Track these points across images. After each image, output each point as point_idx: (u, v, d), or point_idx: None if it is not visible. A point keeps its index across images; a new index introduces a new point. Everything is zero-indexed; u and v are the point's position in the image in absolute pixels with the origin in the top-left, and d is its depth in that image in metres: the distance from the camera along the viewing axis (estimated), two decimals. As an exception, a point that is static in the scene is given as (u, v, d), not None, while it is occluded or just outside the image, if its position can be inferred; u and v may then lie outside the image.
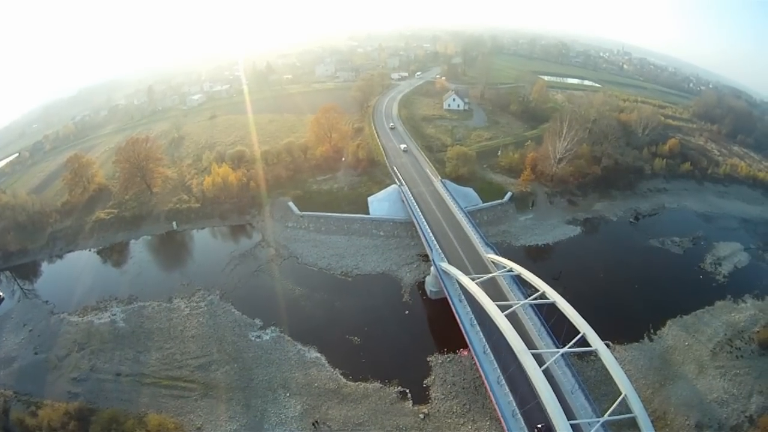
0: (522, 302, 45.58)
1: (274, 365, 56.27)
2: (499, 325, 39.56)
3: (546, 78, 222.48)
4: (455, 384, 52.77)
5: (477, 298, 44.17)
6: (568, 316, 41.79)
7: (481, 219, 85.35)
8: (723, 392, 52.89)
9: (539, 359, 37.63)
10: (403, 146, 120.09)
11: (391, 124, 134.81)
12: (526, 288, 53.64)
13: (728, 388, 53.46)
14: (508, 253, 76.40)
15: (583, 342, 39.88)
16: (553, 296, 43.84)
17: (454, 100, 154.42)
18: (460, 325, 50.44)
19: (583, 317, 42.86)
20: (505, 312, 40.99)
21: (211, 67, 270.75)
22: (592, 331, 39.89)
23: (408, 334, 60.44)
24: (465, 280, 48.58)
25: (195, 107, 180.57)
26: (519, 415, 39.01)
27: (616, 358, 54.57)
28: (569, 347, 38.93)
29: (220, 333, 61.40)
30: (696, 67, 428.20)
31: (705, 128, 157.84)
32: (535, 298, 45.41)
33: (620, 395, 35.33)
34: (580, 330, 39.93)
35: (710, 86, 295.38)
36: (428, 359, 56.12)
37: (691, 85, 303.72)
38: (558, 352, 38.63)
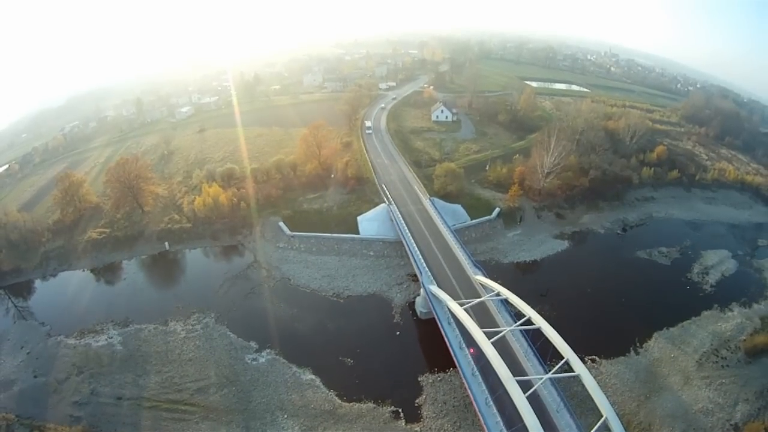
0: (508, 329, 47.94)
1: (270, 387, 57.84)
2: (486, 353, 41.81)
3: (534, 84, 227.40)
4: (446, 403, 55.06)
5: (465, 326, 46.49)
6: (552, 342, 44.17)
7: (469, 236, 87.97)
8: (708, 402, 55.37)
9: (526, 382, 40.15)
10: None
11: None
12: (513, 308, 55.92)
13: (714, 397, 55.95)
14: (497, 270, 79.36)
15: (569, 365, 42.21)
16: (539, 322, 46.28)
17: (442, 111, 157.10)
18: (449, 348, 52.67)
19: (569, 335, 45.19)
20: (493, 339, 43.40)
21: (198, 75, 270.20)
22: (575, 356, 42.08)
23: (399, 355, 62.42)
24: (454, 306, 50.75)
25: (184, 119, 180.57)
26: (507, 436, 41.35)
27: (602, 372, 58.83)
28: (554, 372, 41.45)
29: (216, 356, 62.67)
30: (684, 67, 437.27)
31: (693, 132, 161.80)
32: (522, 324, 47.88)
33: (602, 418, 37.49)
34: (563, 355, 42.35)
35: (698, 86, 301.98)
36: (419, 379, 58.38)
37: (678, 86, 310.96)
38: (543, 378, 41.10)
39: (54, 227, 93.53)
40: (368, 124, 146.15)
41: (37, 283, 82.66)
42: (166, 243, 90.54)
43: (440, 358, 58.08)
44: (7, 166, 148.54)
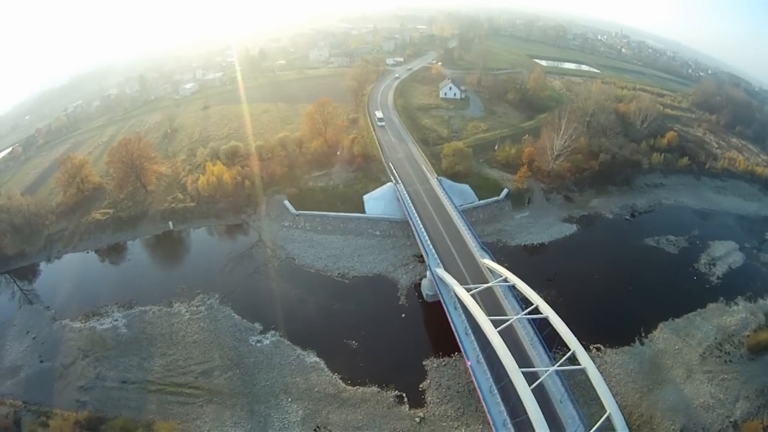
0: (515, 317, 46.82)
1: (275, 370, 57.58)
2: (492, 342, 40.77)
3: (543, 63, 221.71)
4: (450, 388, 54.50)
5: (472, 313, 45.33)
6: (559, 333, 42.97)
7: (477, 217, 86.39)
8: (709, 397, 54.42)
9: (532, 373, 39.31)
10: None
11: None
12: (520, 293, 54.54)
13: (715, 393, 54.97)
14: (504, 252, 78.10)
15: (574, 357, 41.16)
16: (546, 311, 45.01)
17: (450, 88, 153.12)
18: (455, 334, 51.68)
19: (575, 322, 44.42)
20: (499, 328, 42.20)
21: (202, 51, 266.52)
22: (582, 348, 41.07)
23: (404, 338, 61.76)
24: (460, 291, 49.52)
25: (188, 96, 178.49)
26: (510, 425, 40.54)
27: (606, 361, 57.94)
28: (559, 365, 40.50)
29: (221, 338, 62.43)
30: (695, 51, 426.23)
31: (703, 119, 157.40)
32: (529, 312, 46.62)
33: (606, 412, 36.55)
34: (570, 347, 41.20)
35: (709, 72, 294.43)
36: (424, 363, 57.73)
37: (690, 70, 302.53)
38: (548, 370, 40.15)
39: (57, 209, 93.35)
40: (379, 115, 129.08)
41: (42, 266, 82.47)
42: (170, 222, 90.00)
43: (445, 342, 57.10)
44: (10, 149, 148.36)
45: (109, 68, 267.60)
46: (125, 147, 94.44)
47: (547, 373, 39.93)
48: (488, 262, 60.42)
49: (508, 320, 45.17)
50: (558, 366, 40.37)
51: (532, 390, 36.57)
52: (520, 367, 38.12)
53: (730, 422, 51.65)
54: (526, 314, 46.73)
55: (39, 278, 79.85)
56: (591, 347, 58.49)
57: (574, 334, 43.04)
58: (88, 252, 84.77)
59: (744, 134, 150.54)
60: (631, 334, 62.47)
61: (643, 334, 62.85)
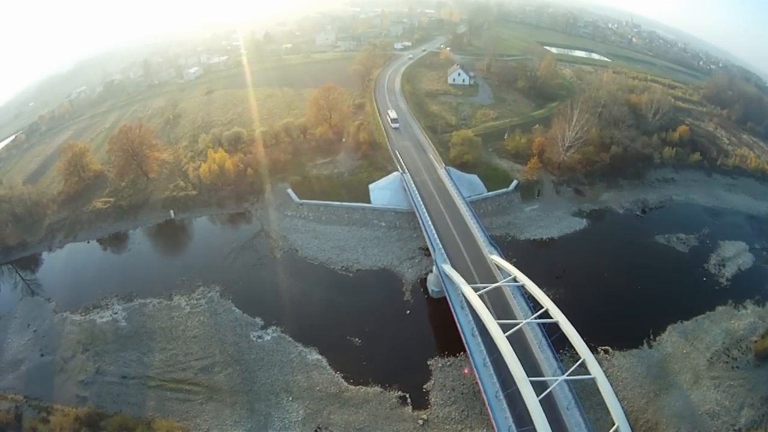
0: (525, 321, 44.98)
1: (276, 367, 56.29)
2: (500, 348, 39.11)
3: (553, 50, 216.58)
4: (454, 389, 53.00)
5: (480, 315, 43.55)
6: (570, 339, 41.16)
7: (485, 209, 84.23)
8: (715, 404, 52.81)
9: (541, 382, 37.94)
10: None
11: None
12: (529, 293, 52.71)
13: (721, 399, 53.35)
14: (513, 247, 76.12)
15: (584, 363, 39.45)
16: (557, 315, 43.10)
17: (459, 74, 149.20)
18: (461, 334, 49.96)
19: (584, 322, 42.69)
20: (508, 333, 40.39)
21: (207, 35, 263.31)
22: (593, 357, 39.41)
23: (408, 336, 60.05)
24: (468, 291, 47.67)
25: (192, 80, 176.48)
26: (515, 432, 39.12)
27: (614, 364, 56.55)
28: (569, 374, 38.95)
29: (221, 333, 61.15)
30: (701, 41, 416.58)
31: (715, 113, 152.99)
32: (539, 316, 44.75)
33: (614, 425, 34.93)
34: (581, 355, 39.48)
35: (720, 65, 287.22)
36: (428, 363, 56.18)
37: (701, 63, 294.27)
38: (557, 379, 38.66)
39: (59, 198, 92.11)
40: (393, 115, 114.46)
41: (44, 256, 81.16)
42: (171, 211, 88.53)
43: (451, 341, 55.29)
44: (13, 136, 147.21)
45: (113, 53, 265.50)
46: (126, 134, 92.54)
47: (557, 382, 38.24)
48: (497, 259, 58.19)
49: (517, 324, 43.23)
50: (567, 375, 38.70)
51: (540, 399, 34.98)
52: (528, 376, 36.52)
53: (735, 430, 50.26)
54: (535, 318, 44.90)
55: (40, 269, 78.68)
56: (599, 349, 56.87)
57: (582, 336, 41.37)
58: (89, 242, 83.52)
59: (755, 131, 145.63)
60: (639, 336, 60.48)
61: (651, 337, 60.84)
